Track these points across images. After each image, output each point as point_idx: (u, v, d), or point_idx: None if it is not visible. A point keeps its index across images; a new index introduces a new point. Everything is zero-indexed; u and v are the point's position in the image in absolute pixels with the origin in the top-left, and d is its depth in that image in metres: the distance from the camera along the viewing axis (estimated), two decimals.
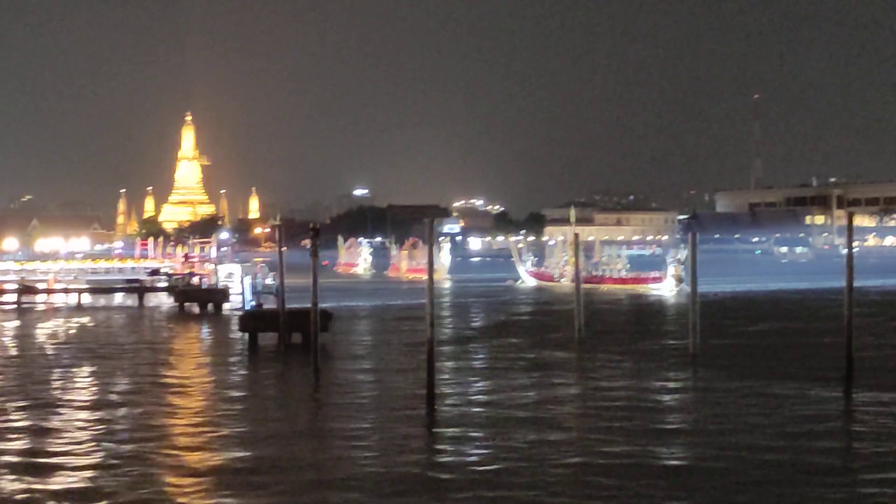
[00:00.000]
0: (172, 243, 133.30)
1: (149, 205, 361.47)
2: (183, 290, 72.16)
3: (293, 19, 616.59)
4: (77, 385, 34.99)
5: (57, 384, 35.01)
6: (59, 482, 21.41)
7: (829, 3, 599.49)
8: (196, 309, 67.76)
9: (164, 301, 75.31)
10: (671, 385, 34.45)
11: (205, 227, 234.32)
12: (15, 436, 26.12)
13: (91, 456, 23.83)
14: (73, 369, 38.83)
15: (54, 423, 27.76)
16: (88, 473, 22.18)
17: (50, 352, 45.21)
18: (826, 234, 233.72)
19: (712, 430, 26.26)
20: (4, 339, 51.72)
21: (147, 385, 34.77)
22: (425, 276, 31.41)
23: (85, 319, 62.21)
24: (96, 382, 35.48)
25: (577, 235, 54.21)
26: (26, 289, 78.25)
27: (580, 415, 28.99)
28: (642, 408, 29.54)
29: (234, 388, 35.02)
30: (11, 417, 28.62)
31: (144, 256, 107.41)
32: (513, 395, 31.89)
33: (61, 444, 25.05)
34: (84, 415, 28.99)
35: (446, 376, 35.50)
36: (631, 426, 26.76)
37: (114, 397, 32.12)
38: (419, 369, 32.77)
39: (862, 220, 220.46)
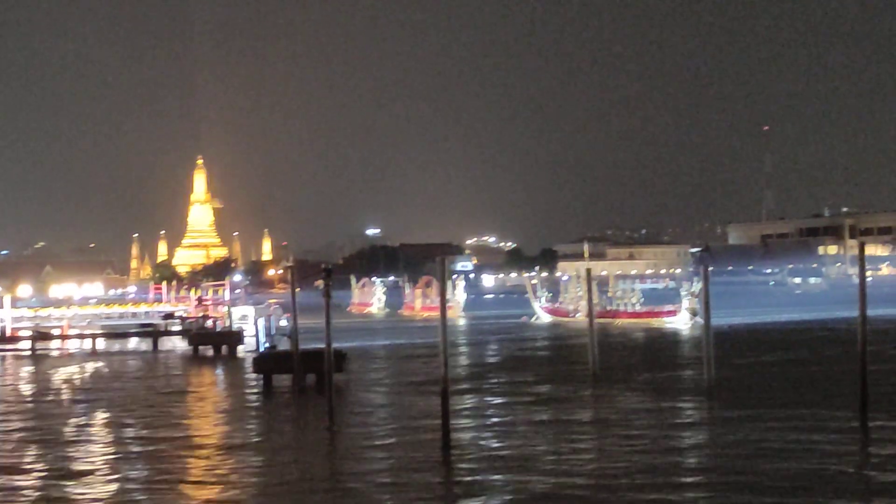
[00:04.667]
0: (186, 287, 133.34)
1: (162, 249, 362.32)
2: (197, 334, 72.13)
3: (303, 61, 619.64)
4: (92, 431, 35.07)
5: (71, 431, 35.10)
6: None
7: (838, 35, 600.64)
8: (210, 352, 67.71)
9: (179, 345, 75.29)
10: (687, 420, 34.45)
11: (218, 270, 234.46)
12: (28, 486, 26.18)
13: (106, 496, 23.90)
14: (89, 415, 38.94)
15: (71, 471, 27.83)
16: None
17: (64, 398, 45.27)
18: (839, 263, 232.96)
19: (731, 467, 26.15)
20: (20, 385, 51.81)
21: (161, 429, 34.78)
22: (439, 314, 31.41)
23: (100, 365, 62.26)
24: (111, 428, 35.55)
25: (589, 270, 54.20)
26: (40, 335, 78.36)
27: (598, 452, 28.85)
28: (659, 444, 29.48)
29: (248, 430, 35.02)
30: (23, 476, 28.66)
31: (158, 300, 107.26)
32: (529, 433, 31.88)
33: (79, 487, 25.12)
34: (99, 459, 29.05)
35: (462, 412, 35.47)
36: (648, 464, 26.68)
37: (128, 443, 32.17)
38: (434, 408, 32.72)
39: (875, 250, 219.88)
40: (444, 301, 31.58)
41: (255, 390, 45.61)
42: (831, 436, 29.58)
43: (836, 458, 26.61)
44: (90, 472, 27.27)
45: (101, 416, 38.44)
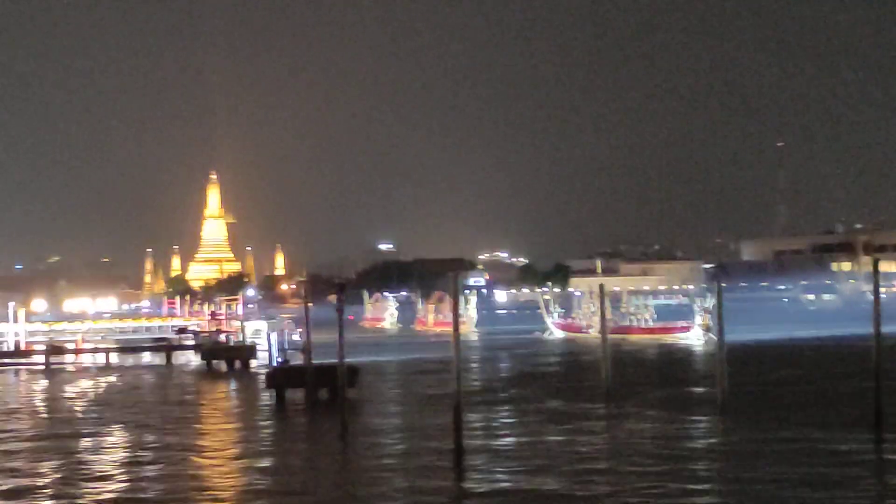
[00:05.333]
0: (199, 301, 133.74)
1: (175, 263, 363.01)
2: (210, 348, 72.23)
3: (317, 76, 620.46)
4: (107, 445, 35.14)
5: (86, 445, 35.18)
6: None
7: (853, 50, 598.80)
8: (223, 366, 67.77)
9: (192, 359, 75.37)
10: (699, 437, 34.36)
11: (231, 285, 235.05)
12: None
13: None
14: (103, 429, 38.99)
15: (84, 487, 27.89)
16: None
17: (79, 413, 45.34)
18: (853, 280, 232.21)
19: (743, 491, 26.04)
20: (34, 400, 51.93)
21: (175, 444, 34.80)
22: (452, 330, 31.43)
23: (113, 379, 62.37)
24: (125, 443, 35.62)
25: (602, 286, 54.14)
26: (55, 349, 78.49)
27: (612, 471, 28.68)
28: (671, 462, 29.38)
29: (261, 447, 35.00)
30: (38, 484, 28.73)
31: (171, 315, 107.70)
32: (541, 449, 31.81)
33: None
34: (113, 473, 29.12)
35: (475, 428, 35.40)
36: (662, 485, 26.58)
37: (142, 458, 32.21)
38: (447, 423, 32.66)
39: (889, 266, 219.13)
40: (456, 316, 31.64)
41: (268, 405, 45.57)
42: (844, 455, 29.47)
43: (851, 484, 26.38)
44: (105, 487, 27.35)
45: (114, 433, 38.48)
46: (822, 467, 27.50)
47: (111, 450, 34.04)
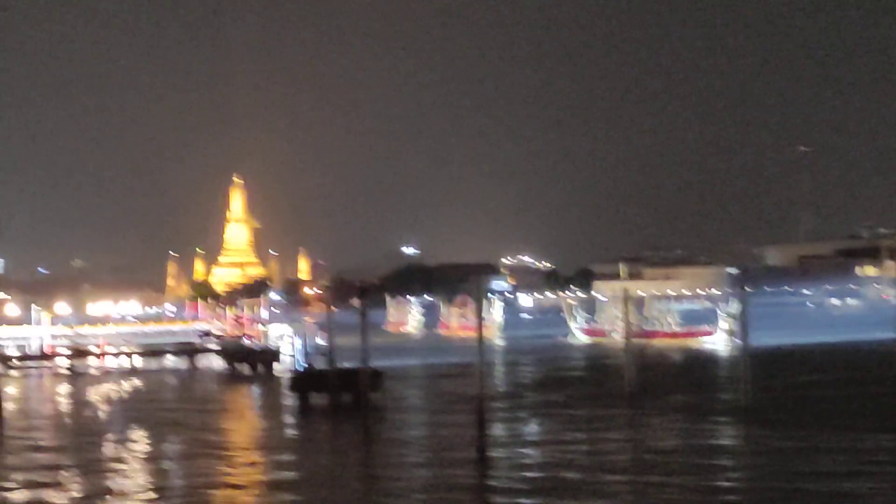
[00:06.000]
0: (223, 305, 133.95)
1: (199, 267, 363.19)
2: (234, 352, 72.32)
3: (341, 79, 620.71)
4: (131, 448, 35.19)
5: (109, 448, 35.26)
6: None
7: (876, 54, 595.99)
8: (247, 370, 67.82)
9: (215, 362, 75.45)
10: (722, 442, 34.21)
11: (255, 289, 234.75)
12: None
13: None
14: (127, 432, 39.04)
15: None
16: None
17: (102, 416, 45.44)
18: (877, 285, 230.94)
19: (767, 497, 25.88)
20: (58, 403, 52.07)
21: (198, 448, 34.82)
22: (476, 334, 31.40)
23: (136, 382, 62.48)
24: (149, 445, 35.67)
25: (625, 291, 54.05)
26: (78, 353, 78.73)
27: (633, 481, 28.44)
28: (694, 467, 29.24)
29: (284, 453, 34.92)
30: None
31: (195, 318, 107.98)
32: (565, 455, 31.65)
33: None
34: (139, 478, 29.16)
35: (497, 433, 35.29)
36: (684, 490, 26.43)
37: (165, 462, 32.27)
38: (471, 428, 32.59)
39: None
40: (481, 321, 31.64)
41: (291, 409, 45.53)
42: (868, 460, 29.29)
43: (875, 490, 26.16)
44: (127, 485, 27.40)
45: (136, 435, 38.52)
46: (845, 472, 27.33)
47: (133, 450, 34.08)
